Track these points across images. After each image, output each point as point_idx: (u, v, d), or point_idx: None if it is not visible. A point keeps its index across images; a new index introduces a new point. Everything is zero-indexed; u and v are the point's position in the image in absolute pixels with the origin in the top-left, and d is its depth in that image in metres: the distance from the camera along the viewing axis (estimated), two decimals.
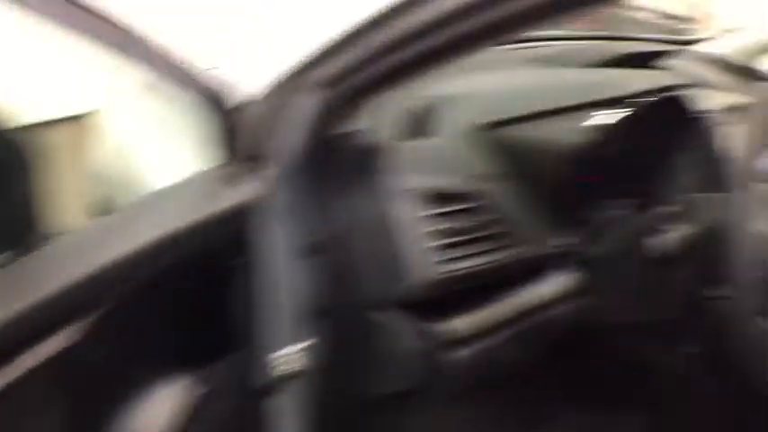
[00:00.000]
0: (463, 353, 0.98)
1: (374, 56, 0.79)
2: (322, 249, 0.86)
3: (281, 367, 0.78)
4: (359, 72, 0.81)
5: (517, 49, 1.62)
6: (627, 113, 1.22)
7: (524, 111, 1.15)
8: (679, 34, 2.78)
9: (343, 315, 0.89)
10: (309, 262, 0.83)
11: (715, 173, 1.25)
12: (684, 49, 2.17)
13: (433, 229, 0.93)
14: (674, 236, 1.04)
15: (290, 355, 0.78)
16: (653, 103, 1.26)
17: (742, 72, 2.14)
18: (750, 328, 0.90)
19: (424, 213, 0.93)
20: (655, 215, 1.14)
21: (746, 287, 0.88)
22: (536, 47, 1.66)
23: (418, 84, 0.88)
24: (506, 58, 1.53)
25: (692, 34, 2.36)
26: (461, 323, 0.98)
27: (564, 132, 1.13)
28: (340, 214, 0.90)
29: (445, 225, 0.95)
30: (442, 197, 0.96)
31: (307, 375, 0.80)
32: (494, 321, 1.02)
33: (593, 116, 1.18)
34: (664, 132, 1.02)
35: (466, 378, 1.03)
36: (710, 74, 1.76)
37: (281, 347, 0.78)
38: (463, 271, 0.95)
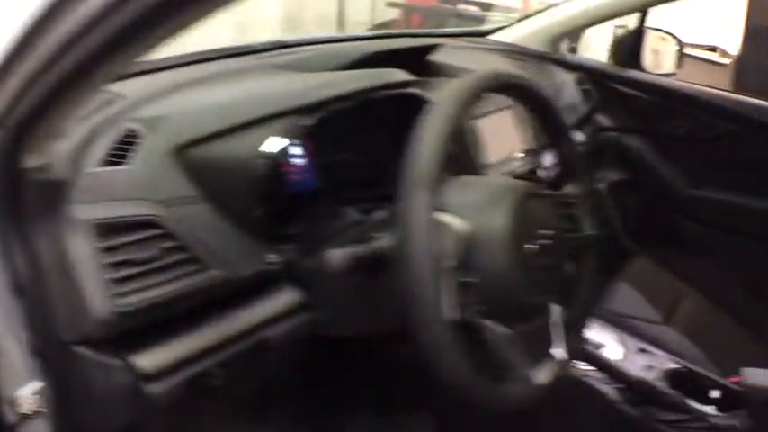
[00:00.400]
0: (169, 382, 0.92)
1: (27, 82, 0.69)
2: (25, 289, 0.82)
3: (16, 410, 0.76)
4: (19, 102, 0.71)
5: (274, 55, 1.50)
6: (337, 114, 1.11)
7: (224, 125, 1.04)
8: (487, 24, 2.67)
9: (55, 354, 0.85)
10: (18, 303, 0.81)
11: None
12: (475, 40, 2.07)
13: (114, 260, 0.87)
14: (383, 242, 0.97)
15: (22, 398, 0.77)
16: (380, 101, 1.17)
17: (535, 58, 2.05)
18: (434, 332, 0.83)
19: (105, 245, 0.86)
20: (373, 222, 1.09)
21: (425, 292, 0.80)
22: (293, 52, 1.53)
23: (83, 102, 0.75)
24: (254, 66, 1.42)
25: (498, 23, 2.22)
26: (164, 354, 0.92)
27: (265, 143, 1.03)
28: (31, 252, 0.83)
29: (129, 255, 0.88)
30: (124, 227, 0.89)
31: (41, 416, 0.79)
32: (203, 347, 0.96)
33: (299, 122, 1.06)
34: (394, 131, 0.88)
35: (179, 408, 0.96)
36: (484, 64, 1.63)
37: (10, 390, 0.77)
38: (150, 301, 0.89)
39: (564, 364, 1.00)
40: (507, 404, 0.92)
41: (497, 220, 0.89)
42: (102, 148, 0.97)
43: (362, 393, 1.58)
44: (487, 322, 0.90)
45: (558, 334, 1.01)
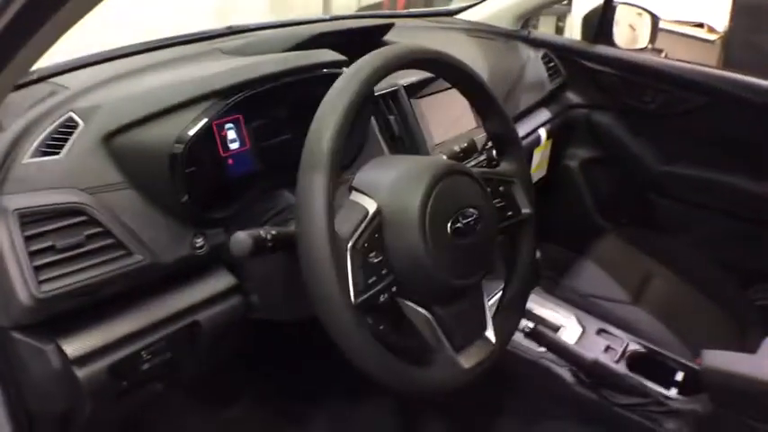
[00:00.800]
0: (95, 367, 0.93)
1: None
2: None
3: None
4: None
5: (225, 41, 1.48)
6: (268, 96, 1.10)
7: (147, 111, 1.01)
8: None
9: None
10: None
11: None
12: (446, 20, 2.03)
13: (39, 247, 0.88)
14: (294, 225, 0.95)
15: None
16: (313, 82, 1.13)
17: (502, 36, 2.01)
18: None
19: (31, 233, 0.87)
20: None
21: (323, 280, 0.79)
22: (244, 37, 1.51)
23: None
24: (200, 52, 1.37)
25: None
26: (89, 339, 0.93)
27: (184, 127, 1.01)
28: None
29: (53, 242, 0.89)
30: (50, 214, 0.90)
31: None
32: (129, 331, 0.96)
33: (217, 105, 1.04)
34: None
35: (111, 392, 0.97)
36: (439, 42, 1.59)
37: None
38: (75, 286, 0.89)
39: (495, 348, 0.97)
40: (430, 390, 0.89)
41: (411, 199, 0.86)
42: (39, 138, 0.97)
43: (323, 376, 1.58)
44: (408, 304, 0.88)
45: (489, 316, 0.98)
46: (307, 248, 0.78)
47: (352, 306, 0.79)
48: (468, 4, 2.16)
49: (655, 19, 2.10)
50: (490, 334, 0.97)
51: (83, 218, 0.92)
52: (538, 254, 1.10)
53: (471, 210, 0.90)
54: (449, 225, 0.88)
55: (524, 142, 1.78)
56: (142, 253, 0.97)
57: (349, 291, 0.79)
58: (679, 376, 1.36)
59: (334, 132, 0.80)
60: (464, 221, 0.89)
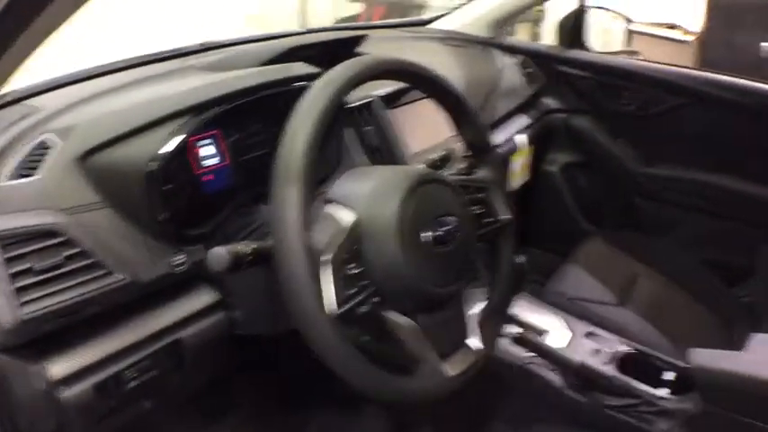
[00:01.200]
0: (79, 387, 0.93)
1: None
2: None
3: None
4: None
5: (200, 57, 1.48)
6: (243, 111, 1.11)
7: (122, 130, 1.02)
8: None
9: None
10: None
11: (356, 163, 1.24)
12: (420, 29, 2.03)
13: (18, 270, 0.88)
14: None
15: None
16: (289, 95, 1.11)
17: (477, 44, 2.02)
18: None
19: (8, 256, 0.88)
20: None
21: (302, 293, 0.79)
22: (220, 53, 1.50)
23: None
24: (175, 69, 1.37)
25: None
26: (73, 359, 0.93)
27: (159, 144, 1.01)
28: None
29: (32, 264, 0.89)
30: (27, 237, 0.90)
31: None
32: (113, 351, 0.97)
33: (191, 122, 1.05)
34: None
35: (98, 411, 0.98)
36: (410, 52, 1.59)
37: None
38: (56, 307, 0.90)
39: (480, 354, 0.96)
40: (414, 399, 0.88)
41: (386, 209, 0.85)
42: (14, 160, 0.97)
43: (313, 388, 1.59)
44: (390, 314, 0.87)
45: (472, 323, 0.97)
46: (282, 262, 0.78)
47: (329, 318, 0.78)
48: (442, 13, 2.17)
49: (627, 21, 2.12)
50: (474, 341, 0.96)
51: (60, 239, 0.92)
52: (523, 259, 1.10)
53: (449, 218, 0.90)
54: (427, 233, 0.87)
55: (502, 149, 1.79)
56: (122, 272, 0.96)
57: (326, 303, 0.78)
58: (669, 376, 1.35)
59: (306, 144, 0.80)
60: (442, 229, 0.88)
